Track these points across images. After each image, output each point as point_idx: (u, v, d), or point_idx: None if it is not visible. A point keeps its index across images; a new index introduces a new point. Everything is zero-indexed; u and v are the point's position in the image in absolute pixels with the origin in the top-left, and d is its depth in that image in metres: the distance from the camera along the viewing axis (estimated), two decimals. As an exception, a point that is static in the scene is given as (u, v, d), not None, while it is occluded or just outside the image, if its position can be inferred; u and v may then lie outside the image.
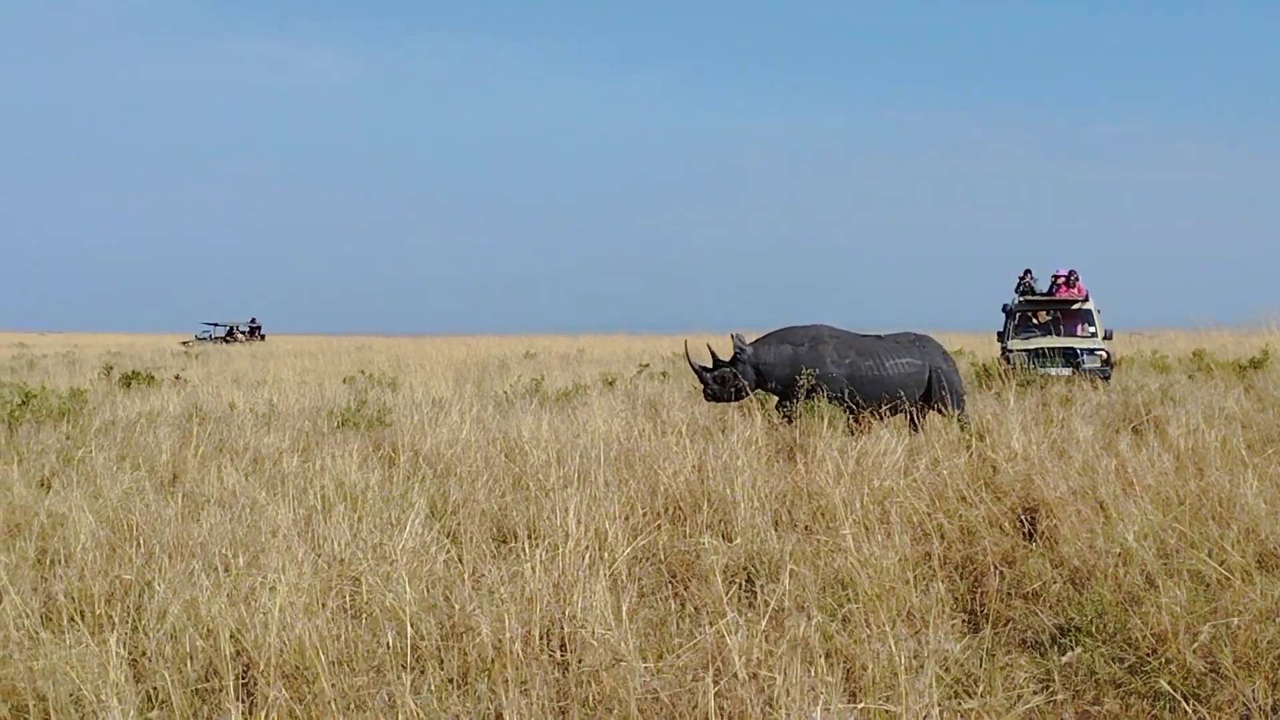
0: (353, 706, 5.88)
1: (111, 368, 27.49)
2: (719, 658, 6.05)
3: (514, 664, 6.20)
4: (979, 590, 8.01)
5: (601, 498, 9.24)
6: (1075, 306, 23.95)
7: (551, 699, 5.98)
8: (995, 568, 8.28)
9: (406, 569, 7.32)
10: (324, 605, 6.87)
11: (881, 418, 14.29)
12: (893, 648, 6.13)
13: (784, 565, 7.96)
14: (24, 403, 15.52)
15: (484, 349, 42.17)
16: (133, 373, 24.41)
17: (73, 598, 7.45)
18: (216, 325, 66.76)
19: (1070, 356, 22.68)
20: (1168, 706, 6.09)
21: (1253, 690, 5.99)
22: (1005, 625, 7.46)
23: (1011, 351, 23.07)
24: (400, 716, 5.66)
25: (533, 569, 7.06)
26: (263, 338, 66.18)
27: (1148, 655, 6.60)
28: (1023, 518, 9.30)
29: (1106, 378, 21.89)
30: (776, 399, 15.14)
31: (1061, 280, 24.28)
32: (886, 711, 5.68)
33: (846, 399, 14.47)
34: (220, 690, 6.10)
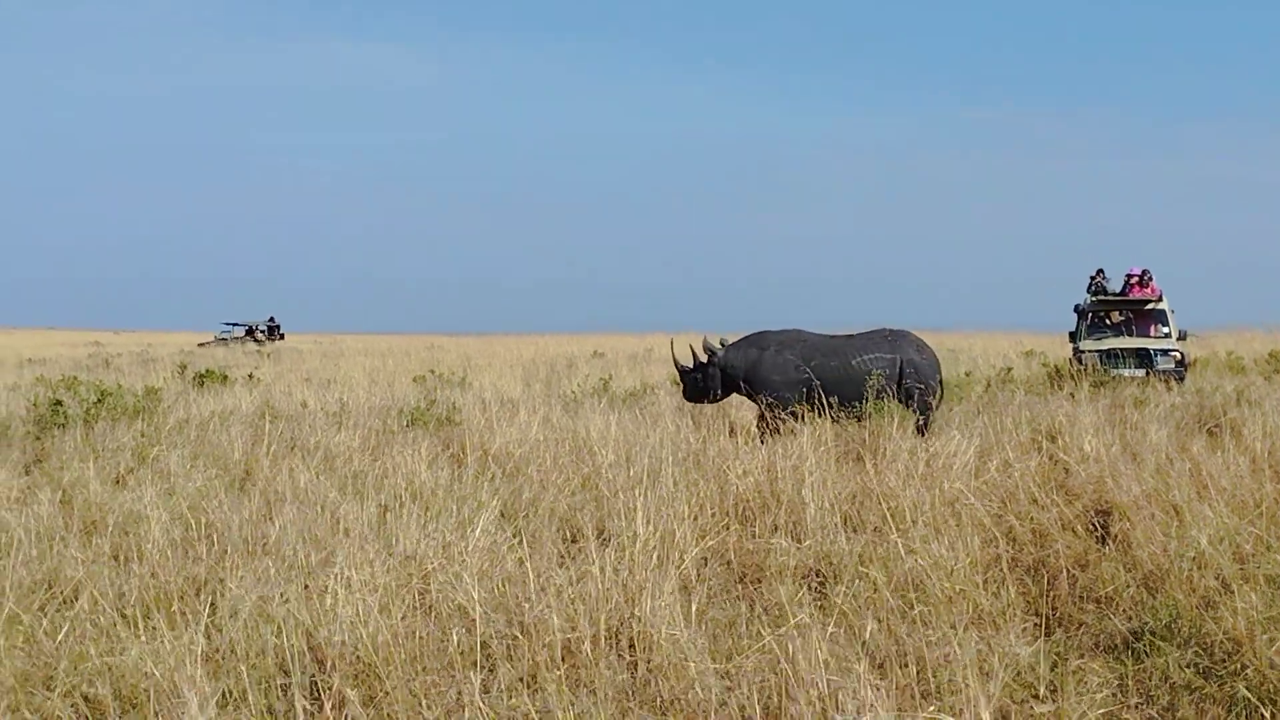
0: (422, 704, 5.92)
1: (185, 366, 27.83)
2: (788, 660, 6.04)
3: (583, 663, 6.22)
4: (1051, 593, 7.94)
5: (670, 498, 9.25)
6: (1149, 306, 23.66)
7: (620, 699, 6.00)
8: (1067, 571, 8.20)
9: (476, 568, 7.35)
10: (394, 603, 6.92)
11: (859, 417, 14.33)
12: (960, 650, 6.10)
13: (854, 567, 7.93)
14: (100, 401, 15.74)
15: (552, 348, 42.29)
16: (206, 371, 24.68)
17: (147, 594, 7.55)
18: (236, 325, 66.44)
19: (1143, 357, 22.41)
20: (1244, 712, 6.01)
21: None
22: (1078, 629, 7.39)
23: (1084, 352, 22.82)
24: (469, 715, 5.69)
25: (601, 569, 7.08)
26: (282, 337, 66.23)
27: (1223, 660, 6.52)
28: (1095, 521, 9.21)
29: (1181, 379, 21.62)
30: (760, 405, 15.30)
31: (1135, 280, 23.98)
32: (956, 715, 5.64)
33: (816, 400, 14.59)
34: (293, 687, 6.16)
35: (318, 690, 6.13)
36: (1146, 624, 7.13)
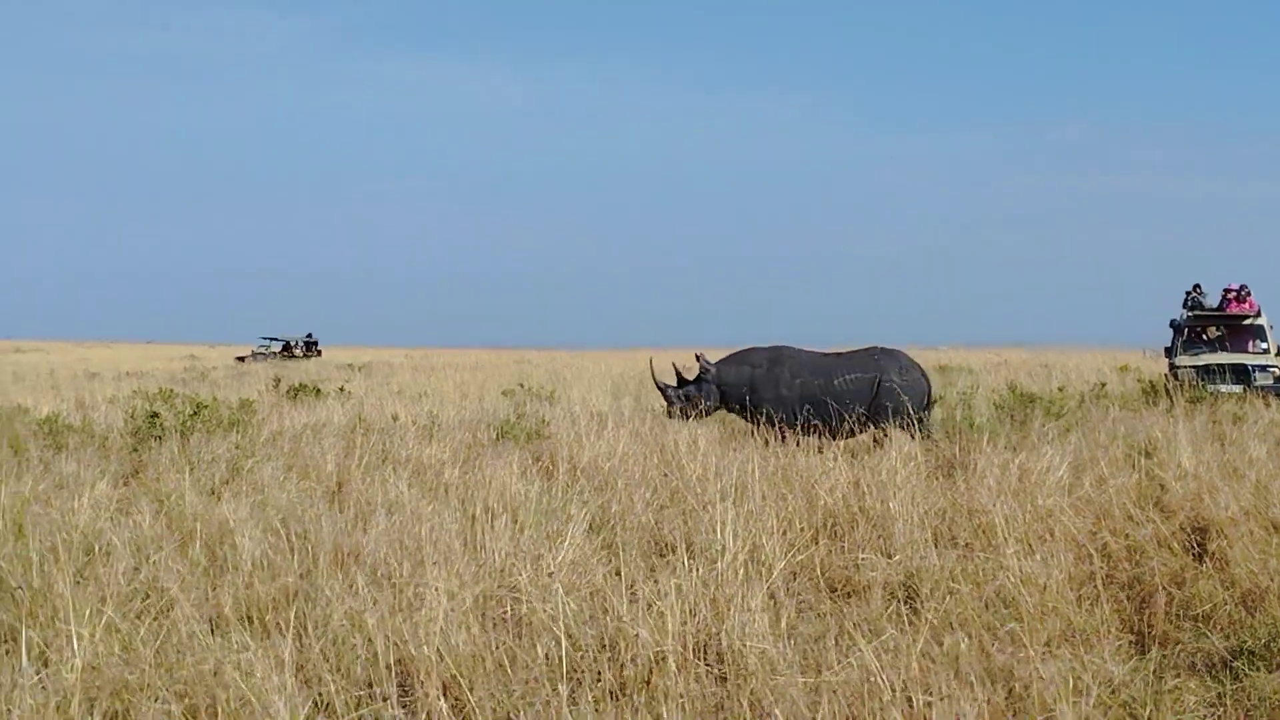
0: (510, 717, 5.94)
1: (279, 379, 28.18)
2: (877, 675, 5.99)
3: (671, 677, 6.21)
4: (1147, 611, 7.81)
5: (758, 512, 9.22)
6: (1246, 322, 23.24)
7: (709, 712, 5.98)
8: (1163, 588, 8.07)
9: (565, 580, 7.37)
10: (484, 615, 6.95)
11: (833, 433, 14.44)
12: (1053, 668, 6.02)
13: (944, 582, 7.86)
14: (195, 413, 15.97)
15: (641, 363, 42.34)
16: (299, 385, 24.99)
17: (241, 604, 7.65)
18: (274, 340, 66.58)
19: (1241, 373, 22.01)
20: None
21: None
22: (1174, 647, 7.27)
23: (1180, 368, 22.46)
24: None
25: (690, 582, 7.07)
26: (319, 353, 66.05)
27: (1325, 681, 6.38)
28: (1192, 538, 9.06)
29: (1280, 395, 21.21)
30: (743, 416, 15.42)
31: (1232, 295, 23.58)
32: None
33: (801, 417, 14.68)
34: (383, 698, 6.21)
35: (407, 700, 6.18)
36: (1245, 643, 7.00)
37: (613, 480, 11.50)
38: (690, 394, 15.33)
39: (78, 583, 7.96)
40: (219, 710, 5.92)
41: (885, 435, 14.41)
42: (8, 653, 6.99)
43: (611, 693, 6.23)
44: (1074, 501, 9.88)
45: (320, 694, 6.20)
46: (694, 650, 6.54)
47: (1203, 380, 21.58)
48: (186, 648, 6.64)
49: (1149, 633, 7.52)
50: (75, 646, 6.48)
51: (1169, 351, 23.75)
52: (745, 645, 6.42)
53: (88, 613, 6.96)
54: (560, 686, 6.01)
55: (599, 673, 6.39)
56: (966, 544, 9.07)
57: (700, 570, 7.37)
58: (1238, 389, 21.27)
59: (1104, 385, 23.09)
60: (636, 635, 6.47)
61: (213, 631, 6.98)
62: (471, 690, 6.12)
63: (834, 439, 14.11)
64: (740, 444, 13.53)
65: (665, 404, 15.73)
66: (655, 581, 7.32)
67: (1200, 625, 7.54)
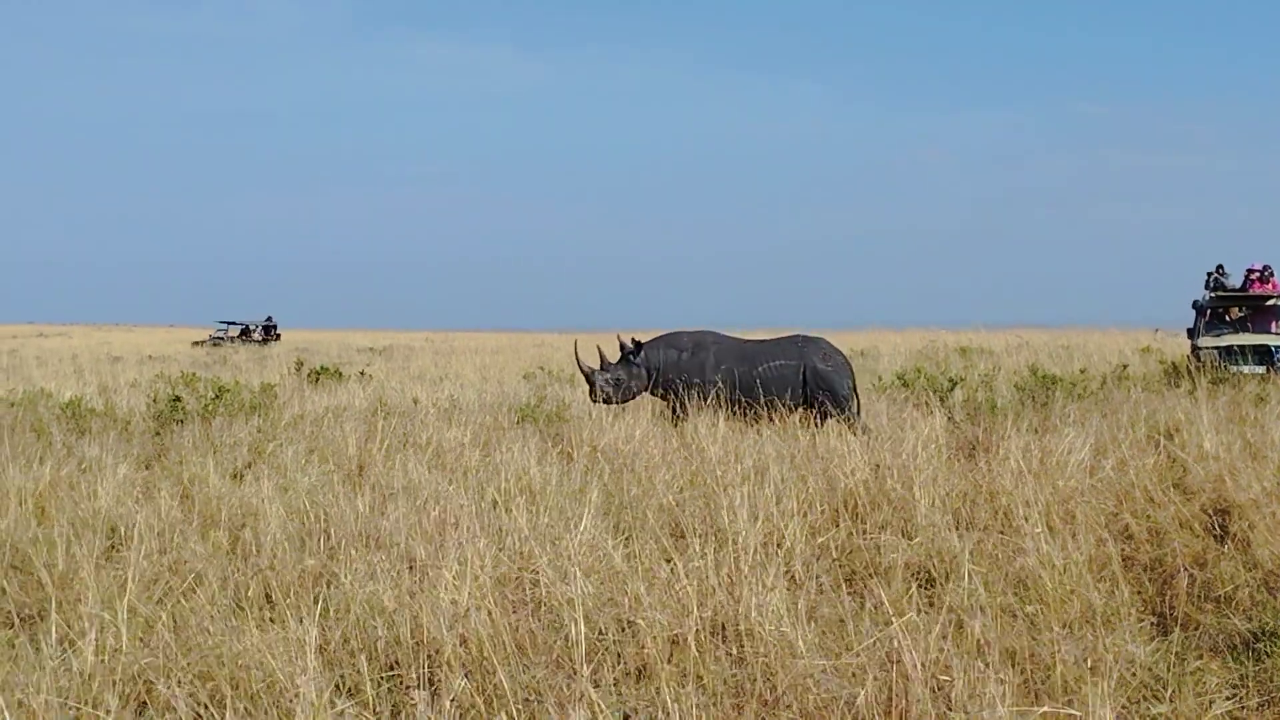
0: (532, 698, 5.95)
1: (301, 363, 28.25)
2: (897, 657, 5.99)
3: (690, 658, 6.22)
4: (1168, 593, 7.80)
5: (778, 494, 9.22)
6: (1269, 303, 23.11)
7: (729, 694, 5.99)
8: (1185, 570, 8.05)
9: (583, 563, 7.38)
10: (505, 596, 6.97)
11: (758, 418, 14.41)
12: (1075, 649, 6.01)
13: (964, 564, 7.86)
14: (217, 397, 16.05)
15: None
16: (321, 368, 25.06)
17: (263, 587, 7.69)
18: (232, 324, 63.93)
19: (1264, 354, 21.88)
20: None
21: None
22: (1195, 629, 7.26)
23: (1202, 349, 22.34)
24: (579, 709, 5.71)
25: (709, 565, 7.07)
26: (278, 337, 63.46)
27: (1347, 663, 6.36)
28: (1214, 520, 9.03)
29: (1303, 376, 21.08)
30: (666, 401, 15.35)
31: (1255, 275, 23.43)
32: (1070, 715, 5.57)
33: (724, 402, 14.67)
34: (406, 679, 6.24)
35: (429, 682, 6.20)
36: (1267, 624, 6.99)
37: (632, 463, 11.50)
38: (618, 377, 15.16)
39: (100, 566, 8.01)
40: (242, 692, 5.95)
41: (845, 421, 14.40)
42: (32, 635, 7.04)
43: (630, 674, 6.25)
44: (1095, 484, 9.85)
45: (343, 676, 6.23)
46: (713, 632, 6.55)
47: (1225, 361, 21.48)
48: (209, 630, 6.68)
49: (1170, 614, 7.51)
50: (99, 629, 6.52)
51: (1191, 333, 23.63)
52: (765, 628, 6.42)
53: (110, 595, 7.01)
54: (582, 668, 6.03)
55: (619, 654, 6.41)
56: (986, 526, 9.05)
57: (719, 553, 7.37)
58: (1261, 370, 21.15)
59: (1125, 367, 23.02)
60: (654, 618, 6.48)
61: (235, 614, 7.01)
62: (493, 672, 6.14)
63: (757, 424, 14.12)
64: (759, 426, 13.52)
65: (589, 388, 15.44)
66: (673, 564, 7.33)
67: (1222, 607, 7.53)
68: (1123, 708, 5.83)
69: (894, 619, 6.20)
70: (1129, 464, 10.36)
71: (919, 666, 5.75)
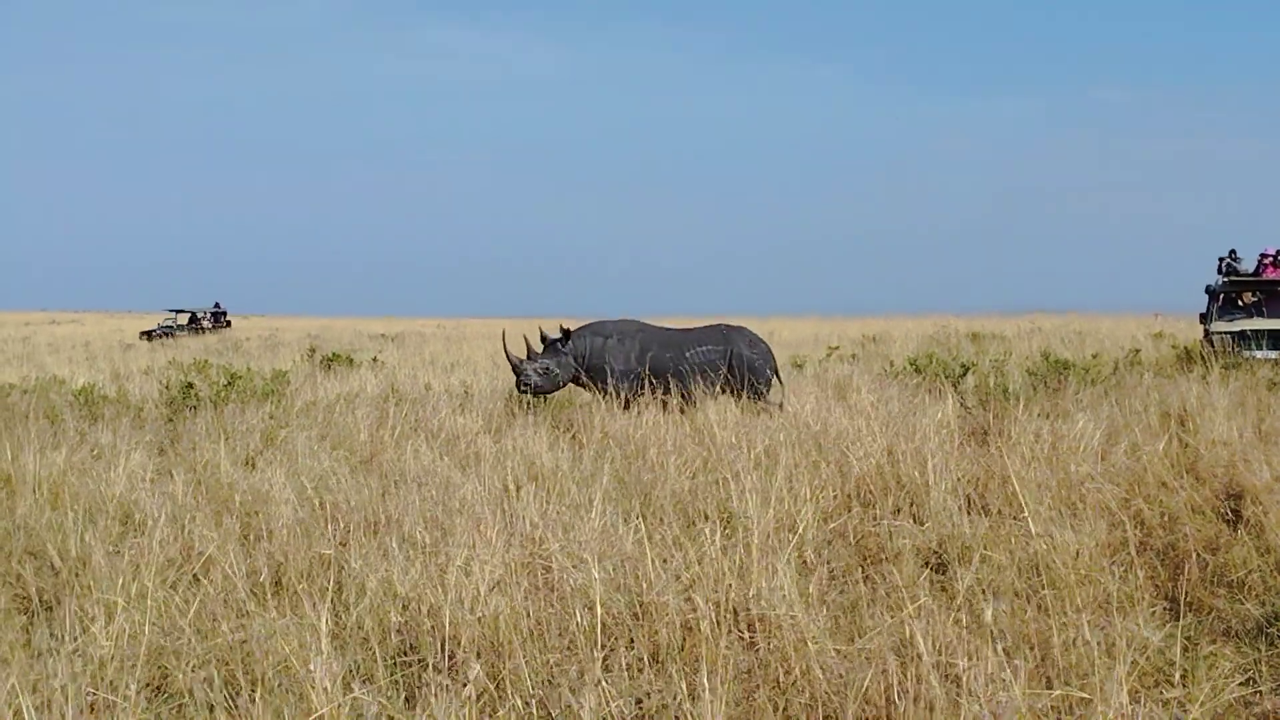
0: (547, 683, 5.97)
1: (314, 350, 28.29)
2: (910, 642, 5.99)
3: (702, 643, 6.23)
4: (1180, 578, 7.79)
5: (790, 480, 9.22)
6: (1283, 287, 23.06)
7: (741, 679, 6.00)
8: (1197, 555, 8.04)
9: (595, 548, 7.38)
10: (516, 582, 6.98)
11: (682, 409, 14.45)
12: (1088, 634, 6.01)
13: (977, 550, 7.86)
14: (230, 384, 16.08)
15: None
16: (333, 355, 25.09)
17: (276, 573, 7.71)
18: (180, 312, 61.10)
19: (1277, 339, 21.84)
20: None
21: None
22: (1208, 614, 7.25)
23: (1215, 334, 22.31)
24: (593, 694, 5.72)
25: (721, 550, 7.08)
26: (228, 324, 61.73)
27: (1361, 648, 6.36)
28: (1226, 505, 9.02)
29: (1316, 361, 21.03)
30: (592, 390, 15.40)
31: (1269, 260, 23.36)
32: (1082, 699, 5.57)
33: (650, 389, 14.84)
34: (420, 664, 6.25)
35: (442, 667, 6.21)
36: (1279, 609, 6.98)
37: (644, 449, 11.51)
38: (547, 367, 15.15)
39: (114, 552, 8.04)
40: (256, 677, 5.98)
41: (760, 403, 14.71)
42: (46, 621, 7.07)
43: (644, 659, 6.26)
44: (1107, 469, 9.84)
45: (358, 660, 6.25)
46: (725, 618, 6.55)
47: (1238, 346, 21.45)
48: (223, 616, 6.70)
49: (1183, 599, 7.50)
50: (112, 614, 6.55)
51: (1204, 317, 23.60)
52: (777, 613, 6.42)
53: (124, 581, 7.03)
54: (595, 653, 6.04)
55: (631, 640, 6.42)
56: (999, 511, 9.05)
57: (730, 538, 7.38)
58: (1274, 355, 21.10)
59: (1137, 352, 22.99)
60: (667, 603, 6.49)
61: (249, 600, 7.03)
62: (508, 657, 6.15)
63: (683, 412, 14.17)
64: (771, 412, 13.51)
65: (516, 378, 15.29)
66: (685, 550, 7.34)
67: (1235, 592, 7.52)
68: (1135, 692, 5.83)
69: (907, 604, 6.20)
70: (1141, 449, 10.35)
71: (932, 651, 5.75)
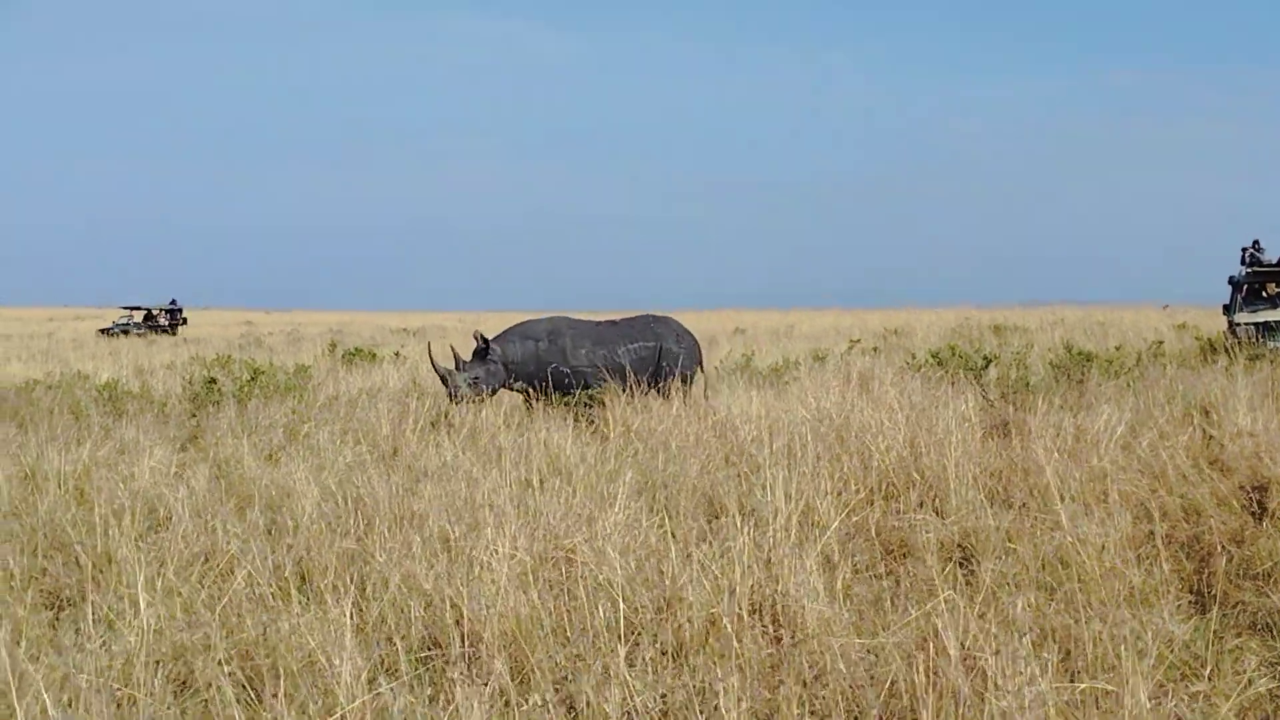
0: (569, 677, 5.97)
1: (335, 345, 28.35)
2: (934, 636, 5.98)
3: (726, 638, 6.22)
4: (1206, 570, 7.76)
5: (812, 473, 9.20)
6: (1306, 277, 22.96)
7: (765, 673, 5.99)
8: (1223, 547, 8.01)
9: (618, 543, 7.38)
10: (539, 577, 6.99)
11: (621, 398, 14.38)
12: (1114, 628, 5.99)
13: (1000, 543, 7.83)
14: (252, 379, 16.13)
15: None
16: (355, 349, 25.15)
17: (300, 568, 7.73)
18: (135, 309, 60.58)
19: (1301, 330, 21.75)
20: None
21: None
22: (1234, 607, 7.22)
23: (1238, 325, 22.23)
24: (616, 688, 5.72)
25: (743, 544, 7.07)
26: (184, 321, 60.59)
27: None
28: (1252, 496, 8.98)
29: (1340, 351, 20.92)
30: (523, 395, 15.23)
31: (1292, 250, 23.28)
32: (1107, 692, 5.55)
33: (585, 386, 14.73)
34: (443, 659, 6.26)
35: (466, 661, 6.22)
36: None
37: (667, 443, 11.51)
38: (476, 375, 14.66)
39: (139, 546, 8.07)
40: (281, 672, 5.99)
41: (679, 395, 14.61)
42: (72, 616, 7.10)
43: (667, 654, 6.26)
44: (1131, 461, 9.80)
45: (381, 655, 6.27)
46: (749, 612, 6.55)
47: (1262, 337, 21.36)
48: (248, 611, 6.72)
49: (1209, 592, 7.47)
50: (138, 609, 6.57)
51: (1227, 308, 23.50)
52: (802, 606, 6.42)
53: (149, 576, 7.06)
54: (619, 647, 6.03)
55: (655, 634, 6.41)
56: (1022, 504, 9.02)
57: (754, 532, 7.37)
58: (1298, 346, 21.01)
59: (1160, 343, 22.90)
60: (690, 597, 6.49)
61: (273, 595, 7.05)
62: (531, 651, 6.16)
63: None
64: (789, 406, 13.49)
65: (447, 391, 14.80)
66: (709, 543, 7.33)
67: (1261, 584, 7.49)
68: (1162, 686, 5.81)
69: (931, 597, 6.19)
70: (1165, 441, 10.30)
71: (957, 645, 5.74)
